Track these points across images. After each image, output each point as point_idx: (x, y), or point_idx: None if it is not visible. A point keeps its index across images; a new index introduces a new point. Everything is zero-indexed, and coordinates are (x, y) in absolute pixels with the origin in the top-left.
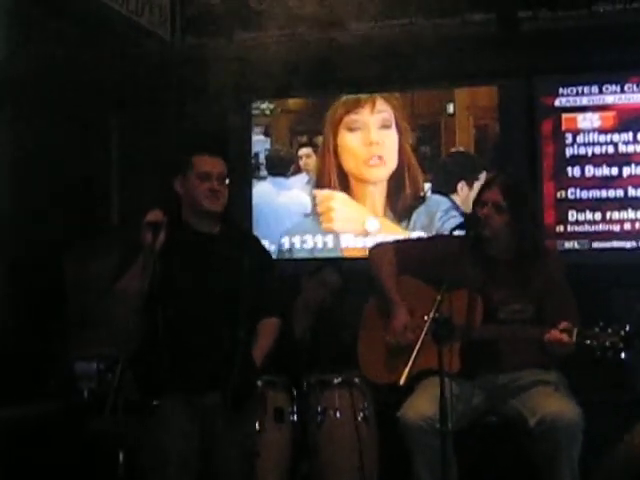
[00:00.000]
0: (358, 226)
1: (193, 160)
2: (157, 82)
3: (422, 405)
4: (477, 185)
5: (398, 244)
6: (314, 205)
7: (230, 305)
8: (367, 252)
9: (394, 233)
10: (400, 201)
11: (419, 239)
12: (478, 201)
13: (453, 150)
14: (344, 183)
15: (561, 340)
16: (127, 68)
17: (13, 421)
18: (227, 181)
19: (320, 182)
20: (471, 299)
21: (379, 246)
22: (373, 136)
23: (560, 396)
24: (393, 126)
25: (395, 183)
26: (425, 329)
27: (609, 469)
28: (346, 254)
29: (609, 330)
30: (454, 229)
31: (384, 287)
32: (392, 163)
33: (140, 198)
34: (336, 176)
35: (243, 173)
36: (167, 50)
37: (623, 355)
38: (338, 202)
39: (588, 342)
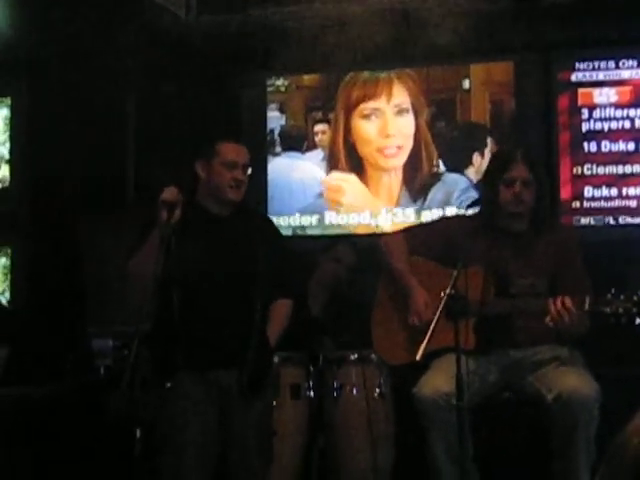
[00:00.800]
0: (370, 209)
1: (219, 147)
2: (172, 59)
3: (438, 381)
4: (487, 153)
5: (408, 230)
6: (325, 190)
7: (243, 286)
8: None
9: (407, 216)
10: (416, 180)
11: (429, 222)
12: (505, 178)
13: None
14: (358, 167)
15: (560, 315)
16: (143, 45)
17: (30, 399)
18: (249, 170)
19: (331, 163)
20: (486, 275)
21: (389, 235)
22: (390, 127)
23: (577, 372)
24: (410, 109)
25: (411, 163)
26: (441, 306)
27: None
28: (359, 231)
29: (622, 297)
30: (470, 206)
31: (398, 272)
32: (408, 148)
33: (156, 176)
34: (349, 159)
35: (258, 149)
36: (182, 27)
37: (638, 321)
38: (349, 190)
39: (601, 309)
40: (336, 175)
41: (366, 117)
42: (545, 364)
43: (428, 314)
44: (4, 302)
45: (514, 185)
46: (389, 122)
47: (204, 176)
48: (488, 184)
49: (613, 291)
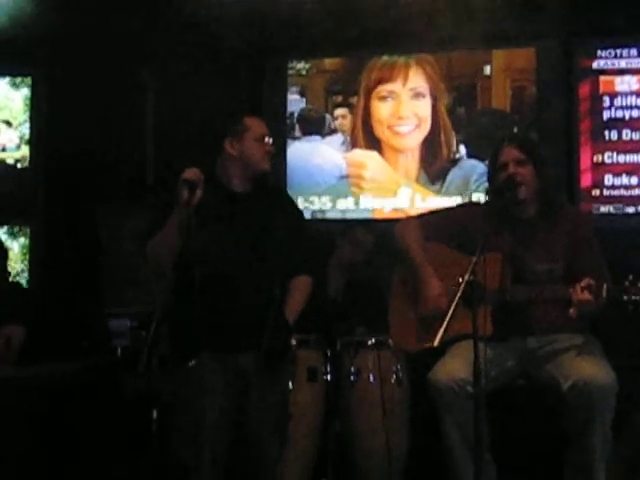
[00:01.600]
0: (390, 191)
1: (248, 122)
2: (191, 40)
3: (453, 367)
4: None
5: (422, 216)
6: (347, 166)
7: (263, 264)
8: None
9: (427, 196)
10: (434, 164)
11: (444, 208)
12: (498, 165)
13: (480, 109)
14: (377, 147)
15: (586, 300)
16: (161, 26)
17: (47, 379)
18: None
19: (352, 144)
20: (503, 262)
21: (404, 220)
22: (403, 109)
23: (594, 360)
24: (427, 94)
25: (429, 146)
26: (459, 293)
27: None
28: (377, 216)
29: (639, 284)
30: (487, 193)
31: (412, 258)
32: (425, 130)
33: (175, 157)
34: (368, 140)
35: (278, 133)
36: (205, 9)
37: None
38: (371, 165)
39: (619, 297)
40: (359, 152)
41: (382, 99)
42: (562, 352)
43: (440, 303)
44: (23, 282)
45: (507, 168)
46: (402, 104)
47: (235, 153)
48: (489, 174)
49: (631, 278)
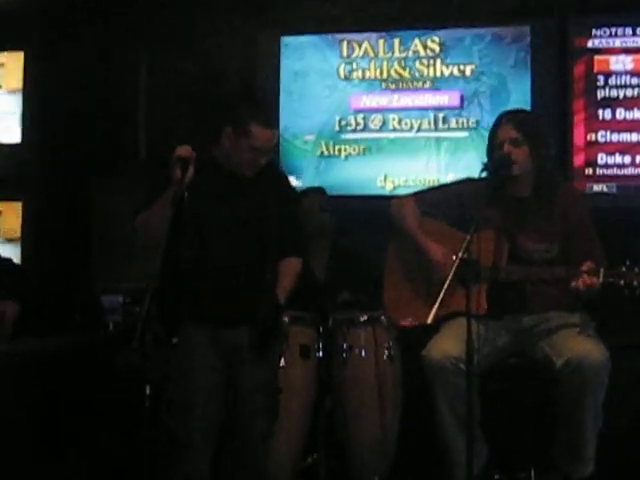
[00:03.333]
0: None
1: (254, 129)
2: (186, 15)
3: (447, 344)
4: None
5: (418, 193)
6: None
7: (256, 243)
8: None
9: None
10: None
11: (441, 185)
12: (494, 145)
13: None
14: None
15: (591, 284)
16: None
17: (40, 354)
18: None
19: None
20: (497, 240)
21: (400, 198)
22: None
23: (587, 338)
24: None
25: None
26: (453, 269)
27: None
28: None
29: (636, 269)
30: (481, 172)
31: (411, 234)
32: None
33: (168, 133)
34: None
35: (272, 108)
36: None
37: None
38: None
39: (616, 281)
40: None
41: None
42: (556, 330)
43: (448, 265)
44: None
45: (502, 146)
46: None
47: (227, 145)
48: (488, 150)
49: (628, 263)
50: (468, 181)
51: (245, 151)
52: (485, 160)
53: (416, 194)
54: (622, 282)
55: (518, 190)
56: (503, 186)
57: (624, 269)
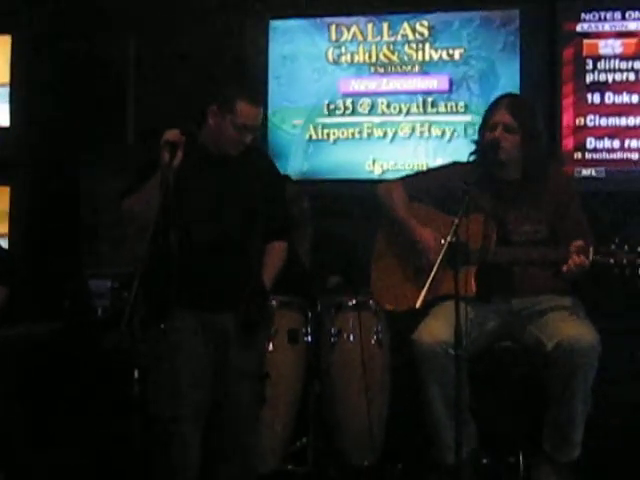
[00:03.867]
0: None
1: (238, 106)
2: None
3: (437, 328)
4: None
5: (405, 178)
6: None
7: (242, 227)
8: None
9: None
10: None
11: (428, 169)
12: (487, 125)
13: None
14: None
15: (581, 263)
16: None
17: (29, 339)
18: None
19: None
20: (486, 223)
21: (387, 183)
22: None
23: (578, 320)
24: None
25: None
26: (442, 253)
27: None
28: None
29: (626, 247)
30: (470, 155)
31: (400, 218)
32: None
33: (156, 117)
34: None
35: (260, 91)
36: None
37: None
38: None
39: (605, 260)
40: None
41: None
42: (546, 313)
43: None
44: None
45: (494, 130)
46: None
47: (212, 124)
48: (480, 129)
49: (617, 241)
50: (455, 165)
51: (230, 128)
52: (476, 138)
53: (403, 179)
54: (612, 260)
55: (507, 173)
56: (491, 170)
57: (613, 247)
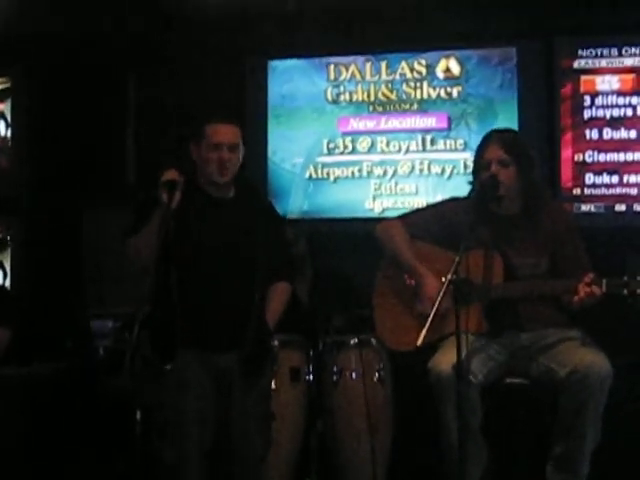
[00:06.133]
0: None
1: (206, 129)
2: (173, 38)
3: (453, 357)
4: None
5: (405, 216)
6: None
7: (243, 268)
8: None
9: None
10: None
11: (427, 206)
12: (480, 164)
13: None
14: None
15: (593, 293)
16: (142, 24)
17: (30, 379)
18: (241, 148)
19: None
20: (487, 259)
21: (386, 221)
22: None
23: (590, 349)
24: None
25: None
26: (442, 291)
27: None
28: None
29: (638, 278)
30: (469, 194)
31: (403, 258)
32: None
33: (156, 158)
34: None
35: (260, 129)
36: (182, 6)
37: None
38: None
39: (620, 291)
40: None
41: None
42: (557, 344)
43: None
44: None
45: (489, 167)
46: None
47: (196, 158)
48: (473, 169)
49: (628, 273)
50: (452, 200)
51: (207, 154)
52: (471, 180)
53: (403, 217)
54: (625, 291)
55: (505, 208)
56: (490, 206)
57: (626, 278)
